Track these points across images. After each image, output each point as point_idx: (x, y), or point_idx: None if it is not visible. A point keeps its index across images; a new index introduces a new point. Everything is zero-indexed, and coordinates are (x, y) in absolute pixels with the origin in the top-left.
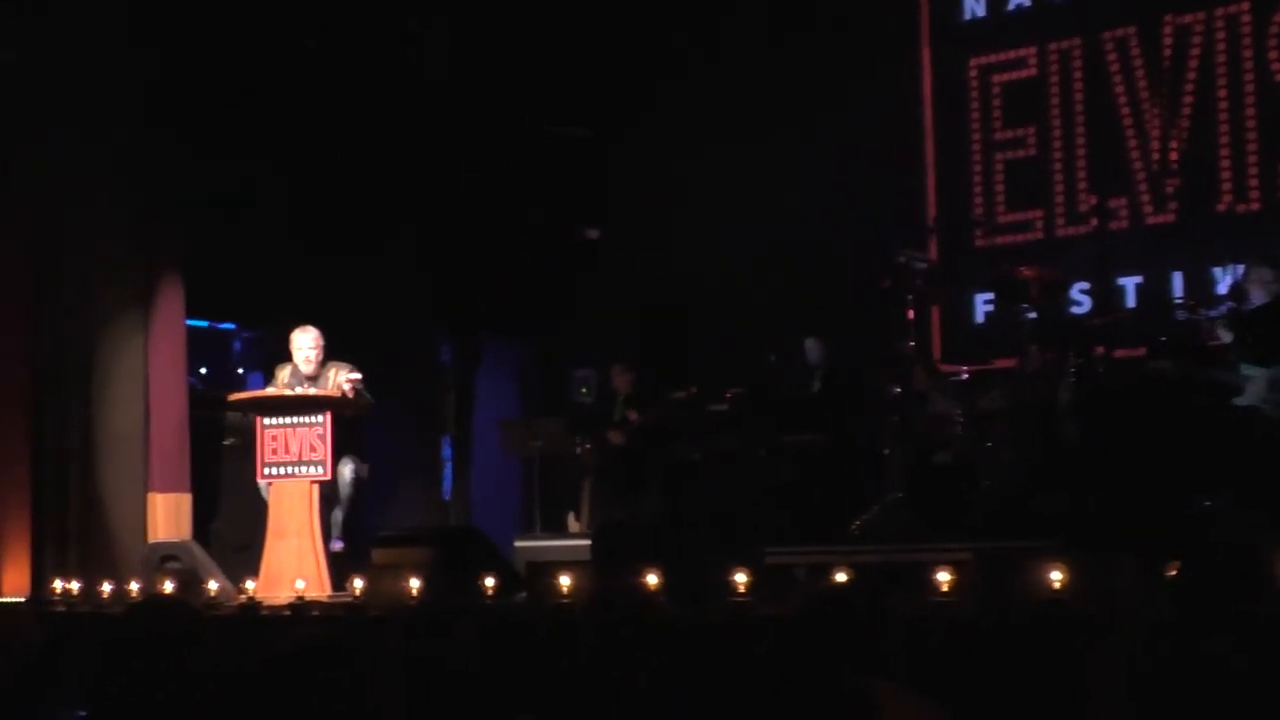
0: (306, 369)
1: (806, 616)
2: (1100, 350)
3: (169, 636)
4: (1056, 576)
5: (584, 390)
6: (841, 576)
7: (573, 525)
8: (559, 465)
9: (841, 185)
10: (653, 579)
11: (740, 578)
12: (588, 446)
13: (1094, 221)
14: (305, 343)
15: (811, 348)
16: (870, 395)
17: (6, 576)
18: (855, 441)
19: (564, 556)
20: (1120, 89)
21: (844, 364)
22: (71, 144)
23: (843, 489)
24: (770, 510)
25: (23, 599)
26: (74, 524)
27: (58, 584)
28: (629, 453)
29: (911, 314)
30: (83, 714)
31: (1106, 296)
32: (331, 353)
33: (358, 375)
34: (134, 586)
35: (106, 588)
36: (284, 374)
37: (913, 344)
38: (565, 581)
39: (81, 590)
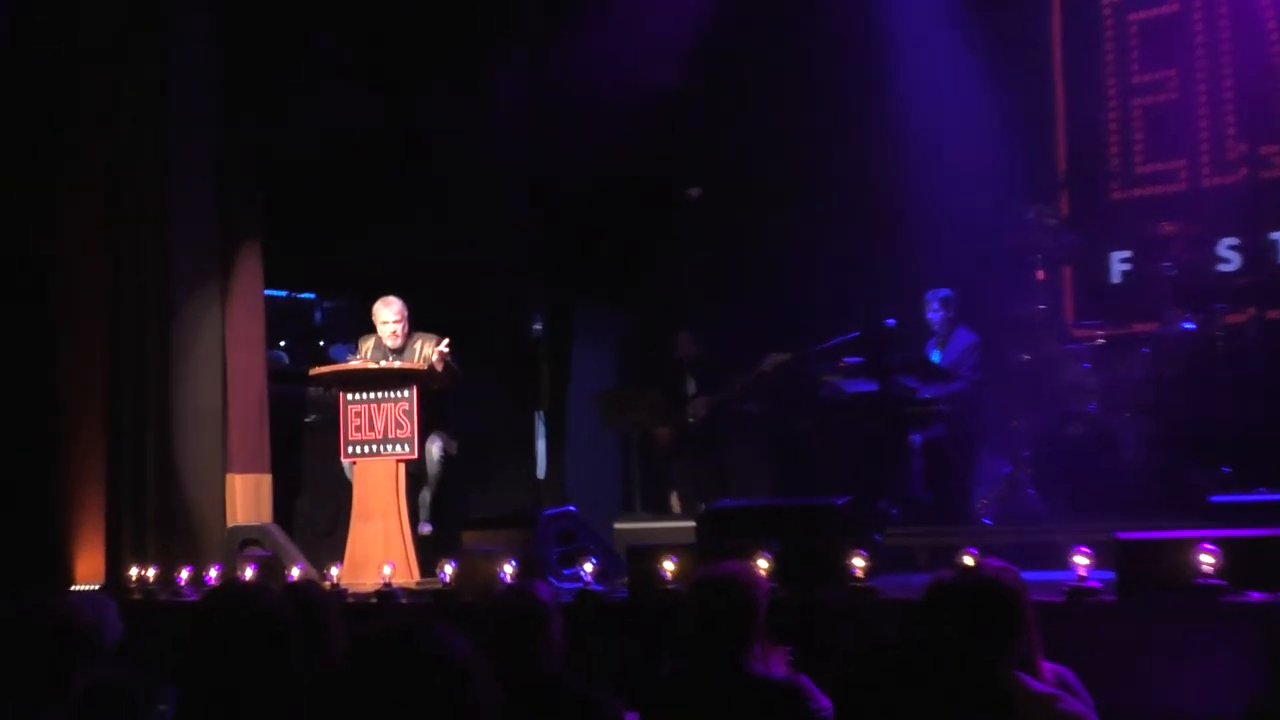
0: (391, 342)
1: (935, 603)
2: (1250, 312)
3: (248, 624)
4: (1208, 560)
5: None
6: (968, 560)
7: (676, 505)
8: (659, 441)
9: (963, 135)
10: (764, 562)
11: (858, 561)
12: (689, 421)
13: (1243, 171)
14: (389, 314)
15: (935, 306)
16: (996, 361)
17: (81, 562)
18: (980, 412)
19: (668, 539)
20: (1272, 24)
21: (966, 326)
22: (147, 115)
23: (966, 463)
24: (887, 486)
25: (98, 585)
26: (150, 507)
27: (134, 570)
28: (716, 427)
29: (1041, 274)
30: (171, 693)
31: (1257, 253)
32: (418, 324)
33: (446, 347)
34: (213, 572)
35: (185, 574)
36: (368, 346)
37: (1042, 307)
38: (669, 566)
39: (158, 576)
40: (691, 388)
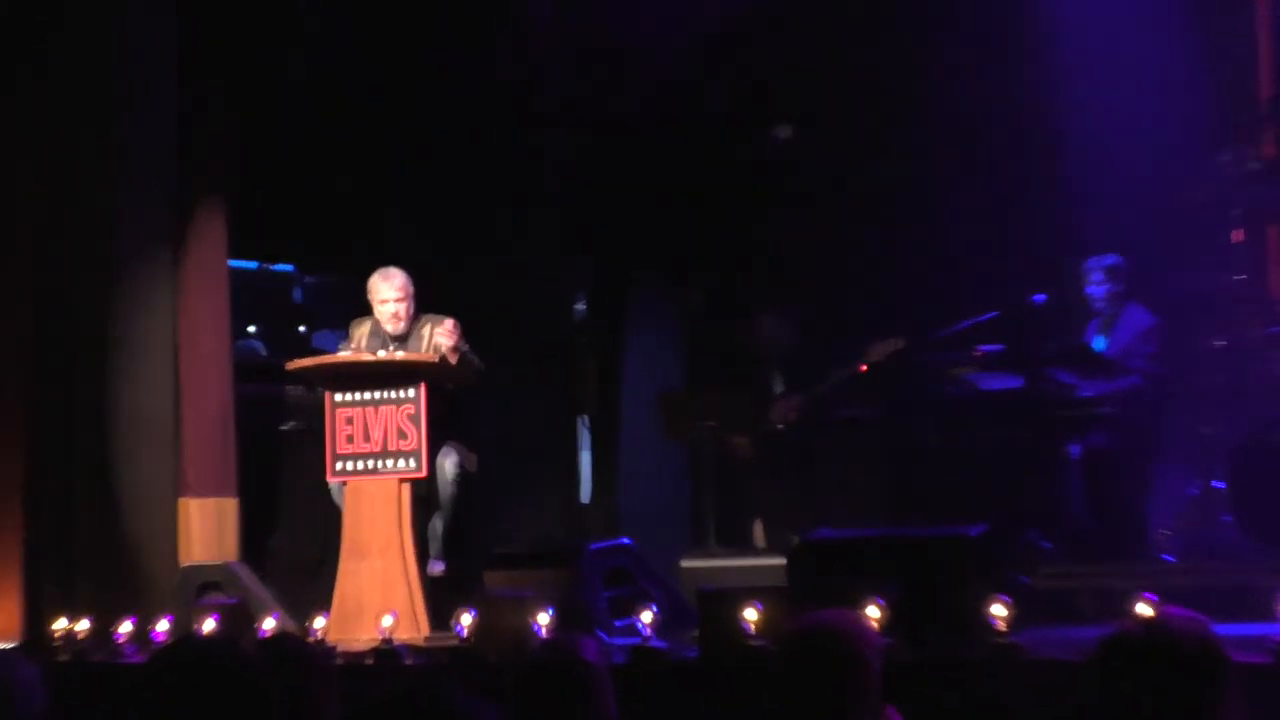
0: (392, 326)
1: (1107, 667)
2: None
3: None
4: None
5: None
6: (1143, 609)
7: (760, 537)
8: (739, 455)
9: (1132, 62)
10: (874, 610)
11: (998, 609)
12: (776, 427)
13: None
14: (389, 290)
15: (1098, 277)
16: (1179, 349)
17: None
18: (1158, 415)
19: (749, 581)
20: None
21: (1139, 304)
22: (83, 38)
23: (1140, 482)
24: (1036, 512)
25: (12, 644)
26: (80, 542)
27: (59, 623)
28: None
29: (1239, 235)
30: None
31: None
32: (426, 304)
33: (454, 329)
34: (163, 625)
35: (126, 628)
36: (362, 332)
37: (1241, 278)
38: (752, 616)
39: (92, 631)
40: (778, 385)
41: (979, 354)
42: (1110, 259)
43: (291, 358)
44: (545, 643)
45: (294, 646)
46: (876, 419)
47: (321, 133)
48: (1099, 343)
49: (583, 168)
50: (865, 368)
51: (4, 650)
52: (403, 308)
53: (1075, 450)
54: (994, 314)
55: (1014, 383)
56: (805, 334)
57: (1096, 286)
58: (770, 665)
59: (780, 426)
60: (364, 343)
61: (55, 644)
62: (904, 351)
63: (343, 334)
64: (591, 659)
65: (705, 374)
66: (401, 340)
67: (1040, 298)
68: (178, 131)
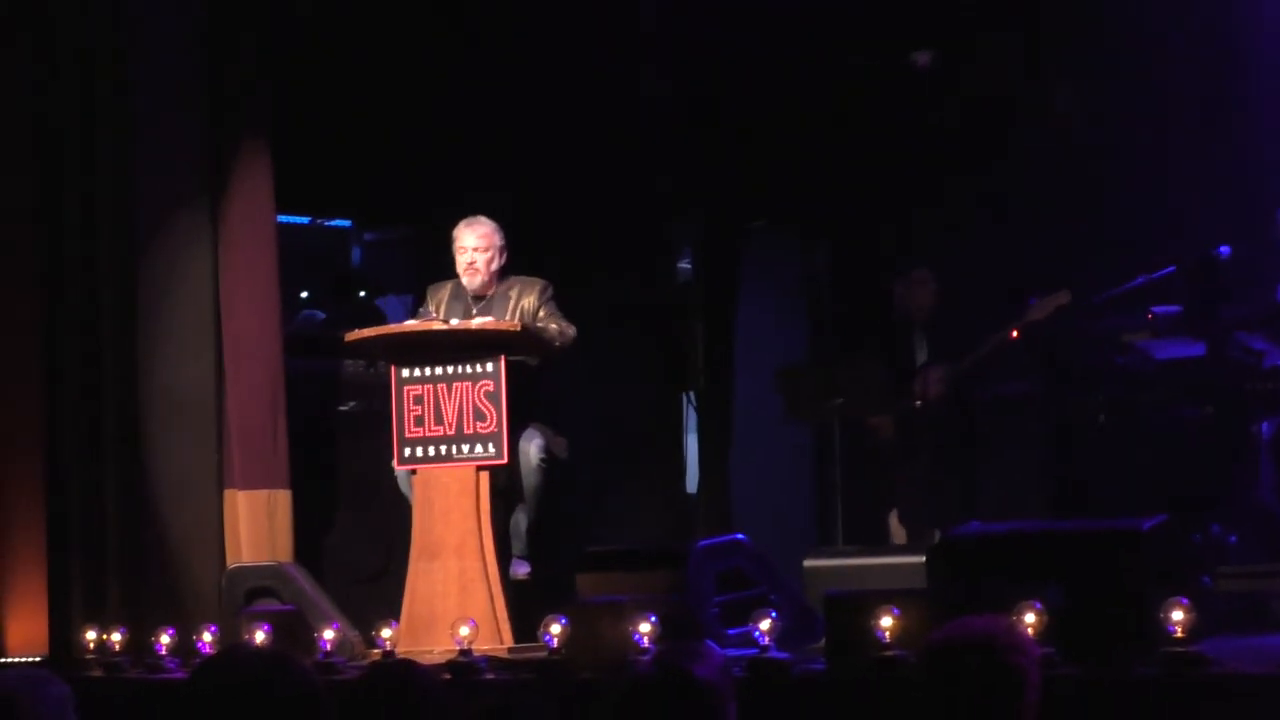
0: (469, 280)
1: None
2: None
3: (261, 712)
4: None
5: None
6: None
7: (897, 532)
8: (873, 437)
9: None
10: (1030, 617)
11: (1177, 614)
12: (919, 406)
13: None
14: (470, 237)
15: None
16: None
17: (12, 624)
18: None
19: (885, 583)
20: None
21: None
22: None
23: None
24: (1221, 501)
25: (38, 658)
26: (112, 543)
27: (90, 634)
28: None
29: None
30: None
31: None
32: (519, 264)
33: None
34: (207, 636)
35: (165, 639)
36: (441, 296)
37: None
38: (888, 623)
39: (126, 643)
40: (922, 355)
41: (1153, 317)
42: None
43: (350, 328)
44: (655, 656)
45: (401, 675)
46: (1034, 394)
47: (382, 64)
48: None
49: (688, 103)
50: (1018, 333)
51: (29, 666)
52: (483, 259)
53: (1266, 429)
54: (1170, 269)
55: (1194, 350)
56: (952, 295)
57: None
58: (911, 680)
59: (920, 404)
60: (443, 309)
61: (86, 658)
62: (1067, 311)
63: (414, 301)
64: (707, 676)
65: (833, 344)
66: (484, 303)
67: (1225, 250)
68: (209, 62)
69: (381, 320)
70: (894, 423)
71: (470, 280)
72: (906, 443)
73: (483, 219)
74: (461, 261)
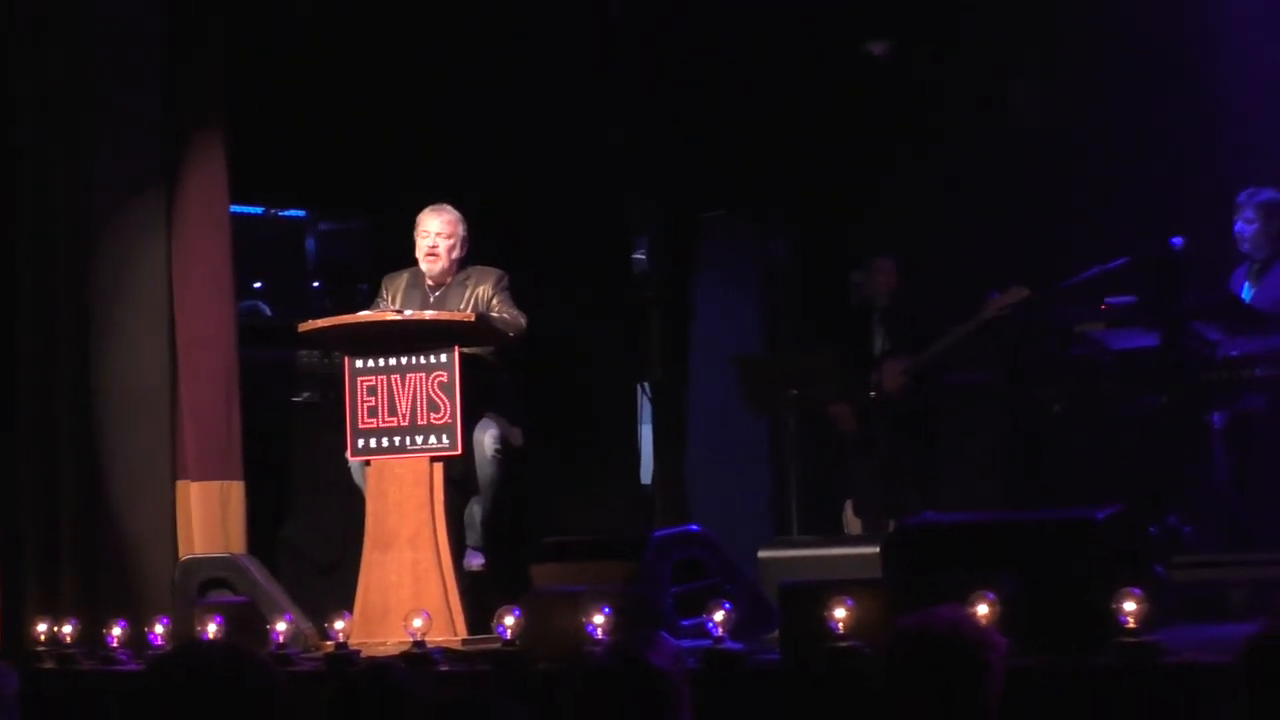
0: (428, 265)
1: (1258, 668)
2: None
3: (215, 705)
4: None
5: None
6: None
7: (852, 522)
8: (831, 427)
9: None
10: (985, 608)
11: (1130, 604)
12: (871, 395)
13: None
14: (433, 223)
15: (1249, 214)
16: None
17: None
18: None
19: (840, 573)
20: None
21: None
22: None
23: None
24: (1174, 491)
25: None
26: (65, 534)
27: (41, 626)
28: (917, 404)
29: None
30: None
31: None
32: (478, 254)
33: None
34: (160, 628)
35: (117, 631)
36: (398, 285)
37: None
38: (842, 614)
39: (78, 634)
40: (880, 343)
41: (1108, 307)
42: (1266, 194)
43: (305, 318)
44: (610, 647)
45: (394, 681)
46: (990, 385)
47: (337, 51)
48: (1249, 293)
49: (646, 88)
50: (977, 328)
51: None
52: (445, 245)
53: (1220, 419)
54: (1124, 260)
55: (1149, 340)
56: (913, 285)
57: (1247, 225)
58: (869, 671)
59: (874, 395)
60: (399, 298)
61: (38, 650)
62: (1026, 307)
63: (374, 290)
64: (662, 665)
65: (790, 334)
66: (441, 291)
67: (1178, 240)
68: (165, 50)
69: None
70: (854, 413)
71: (430, 266)
72: (865, 433)
73: (448, 206)
74: (423, 245)
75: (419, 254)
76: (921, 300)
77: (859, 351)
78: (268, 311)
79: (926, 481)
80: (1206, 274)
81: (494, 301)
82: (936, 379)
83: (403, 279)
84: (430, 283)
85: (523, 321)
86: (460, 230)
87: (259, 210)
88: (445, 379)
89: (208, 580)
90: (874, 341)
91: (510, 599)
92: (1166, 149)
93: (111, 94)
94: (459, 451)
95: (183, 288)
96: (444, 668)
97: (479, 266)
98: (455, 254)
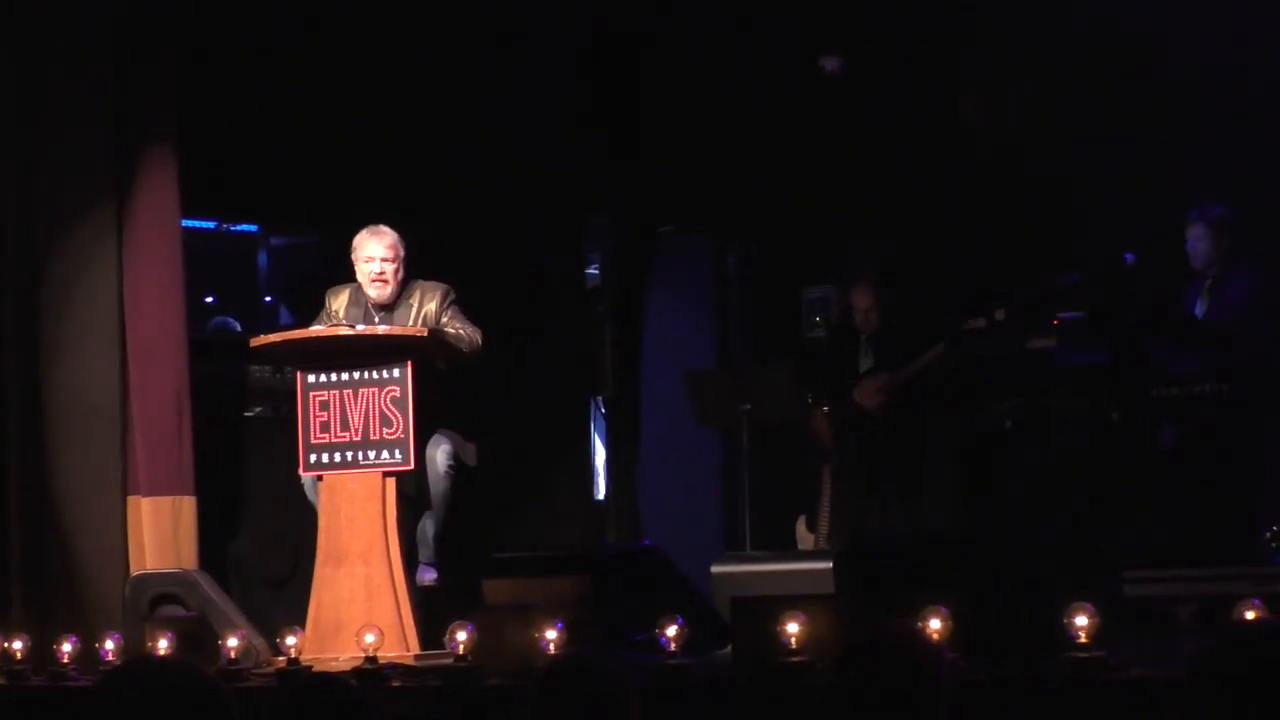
0: (376, 291)
1: (1207, 682)
2: None
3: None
4: None
5: (820, 320)
6: (1249, 614)
7: (805, 538)
8: (784, 442)
9: None
10: (936, 622)
11: (1081, 619)
12: (825, 410)
13: None
14: (376, 247)
15: (1199, 231)
16: None
17: None
18: (1267, 394)
19: (792, 588)
20: None
21: (1249, 265)
22: None
23: (1249, 473)
24: (1125, 507)
25: None
26: (16, 551)
27: None
28: (894, 420)
29: None
30: None
31: None
32: (416, 268)
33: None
34: (110, 644)
35: (67, 647)
36: (340, 302)
37: None
38: (794, 629)
39: (27, 651)
40: (867, 362)
41: (1059, 323)
42: (1216, 210)
43: (256, 332)
44: (559, 661)
45: (343, 694)
46: (941, 400)
47: (289, 66)
48: (1200, 309)
49: (597, 103)
50: (947, 350)
51: None
52: (390, 269)
53: (1170, 435)
54: (1074, 276)
55: (1099, 357)
56: (893, 306)
57: (1198, 241)
58: (821, 685)
59: (854, 410)
60: (343, 313)
61: None
62: (997, 329)
63: (317, 305)
64: (615, 680)
65: (742, 349)
66: (388, 311)
67: (1130, 256)
68: (114, 65)
69: (277, 327)
70: (831, 430)
71: (379, 291)
72: (840, 449)
73: (385, 228)
74: (368, 271)
75: (362, 279)
76: (908, 322)
77: (831, 369)
78: (238, 327)
79: (875, 498)
80: (1158, 290)
81: (444, 317)
82: (912, 400)
83: (345, 294)
84: (373, 304)
85: (479, 337)
86: (401, 250)
87: (211, 225)
88: (398, 394)
89: (159, 596)
90: (860, 363)
91: (463, 614)
92: (1117, 164)
93: (61, 111)
94: (412, 467)
95: (134, 302)
96: (396, 683)
97: (422, 281)
98: (398, 274)
